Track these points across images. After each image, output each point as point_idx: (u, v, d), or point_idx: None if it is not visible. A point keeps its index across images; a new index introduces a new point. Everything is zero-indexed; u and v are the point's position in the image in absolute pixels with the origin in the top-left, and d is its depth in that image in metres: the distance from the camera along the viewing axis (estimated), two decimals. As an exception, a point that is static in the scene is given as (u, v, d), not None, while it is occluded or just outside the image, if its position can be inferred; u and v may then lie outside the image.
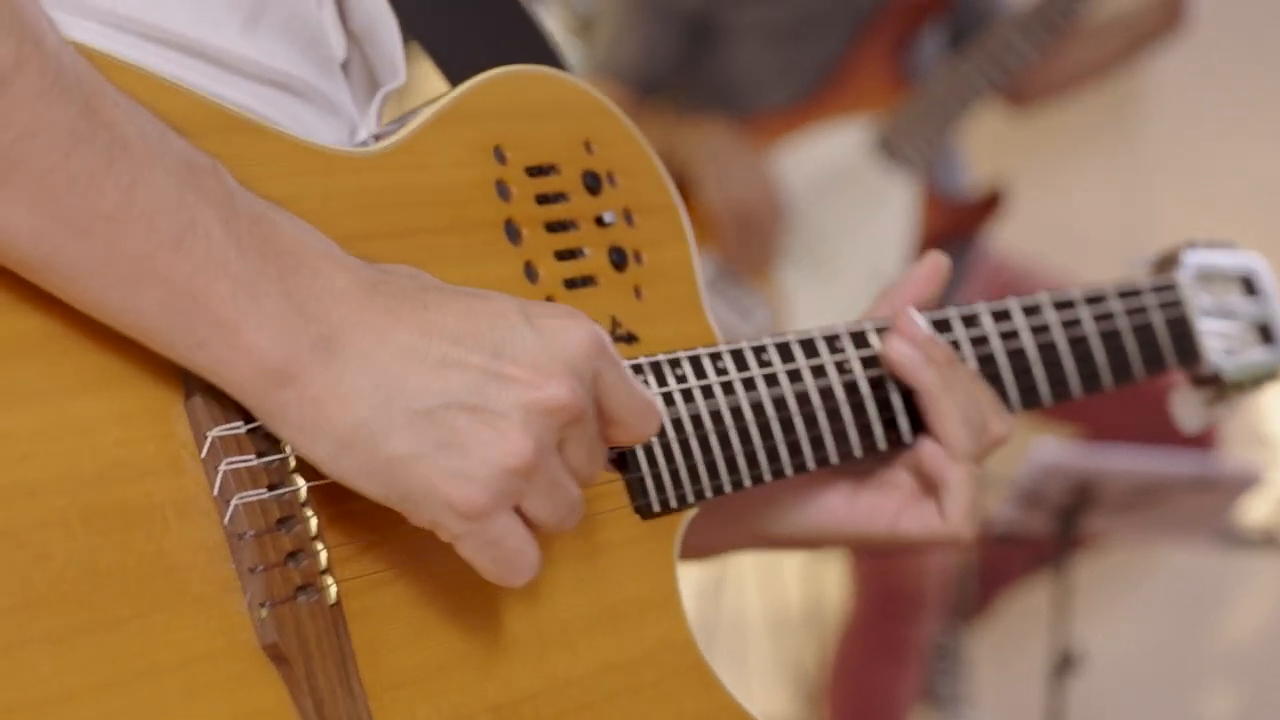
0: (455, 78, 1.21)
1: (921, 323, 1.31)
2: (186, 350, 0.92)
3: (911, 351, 1.29)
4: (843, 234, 3.25)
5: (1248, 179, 3.91)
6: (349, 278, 0.95)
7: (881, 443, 1.30)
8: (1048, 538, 3.03)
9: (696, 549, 1.31)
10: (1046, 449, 2.92)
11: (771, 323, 3.22)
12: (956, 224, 3.31)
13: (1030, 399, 1.38)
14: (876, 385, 1.29)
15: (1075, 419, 3.45)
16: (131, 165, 0.89)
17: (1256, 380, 1.53)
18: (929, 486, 1.32)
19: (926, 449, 1.30)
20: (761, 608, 4.04)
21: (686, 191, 3.27)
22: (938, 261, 1.36)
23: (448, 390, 0.95)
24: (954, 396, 1.29)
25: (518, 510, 0.98)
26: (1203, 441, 3.51)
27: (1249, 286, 1.54)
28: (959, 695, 4.13)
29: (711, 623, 3.74)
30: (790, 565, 3.94)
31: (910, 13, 3.31)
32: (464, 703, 1.04)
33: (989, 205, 3.31)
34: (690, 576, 4.30)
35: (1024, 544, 3.16)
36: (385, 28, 1.17)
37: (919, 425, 1.32)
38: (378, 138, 1.13)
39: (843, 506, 1.36)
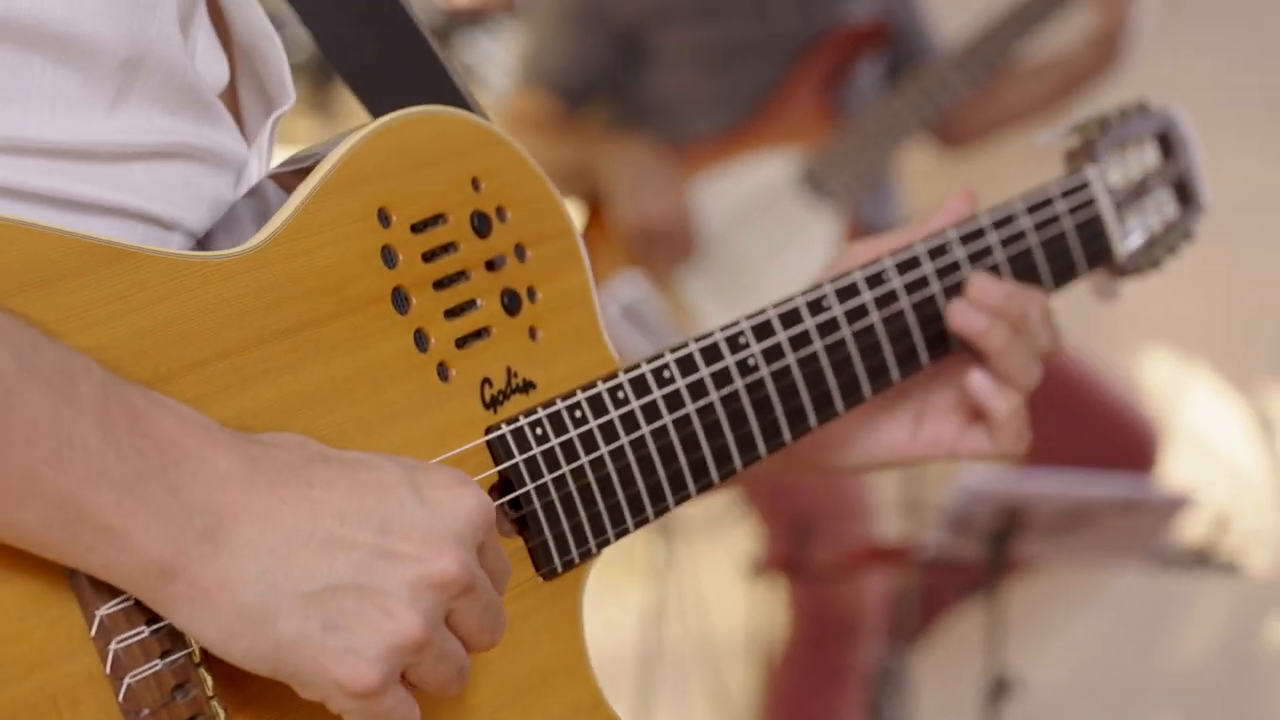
0: (370, 103, 1.22)
1: (993, 288, 1.33)
2: (74, 556, 0.93)
3: (983, 320, 1.33)
4: (763, 266, 3.26)
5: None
6: (230, 459, 0.96)
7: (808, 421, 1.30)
8: (979, 562, 3.05)
9: (745, 478, 1.34)
10: (973, 475, 2.93)
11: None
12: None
13: (937, 348, 1.36)
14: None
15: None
16: (3, 391, 0.89)
17: (1172, 249, 1.49)
18: (977, 412, 1.37)
19: (974, 382, 1.35)
20: (703, 634, 4.05)
21: (603, 207, 3.28)
22: (968, 194, 1.39)
23: (334, 571, 0.96)
24: (1017, 349, 1.33)
25: (403, 677, 0.99)
26: (1142, 463, 3.53)
27: (1165, 144, 1.49)
28: (904, 718, 4.14)
29: (653, 650, 3.74)
30: (733, 592, 3.95)
31: (845, 46, 3.32)
32: None
33: (916, 240, 3.31)
34: (630, 602, 4.26)
35: (957, 569, 3.18)
36: (270, 46, 1.16)
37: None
38: (273, 177, 1.12)
39: (905, 440, 1.41)
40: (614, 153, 3.23)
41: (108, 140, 1.04)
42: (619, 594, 4.06)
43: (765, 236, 3.26)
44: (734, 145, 3.31)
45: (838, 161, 3.25)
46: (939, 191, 3.81)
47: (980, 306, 1.33)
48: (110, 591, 0.95)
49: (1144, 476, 3.43)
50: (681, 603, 3.94)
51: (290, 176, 1.11)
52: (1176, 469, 3.90)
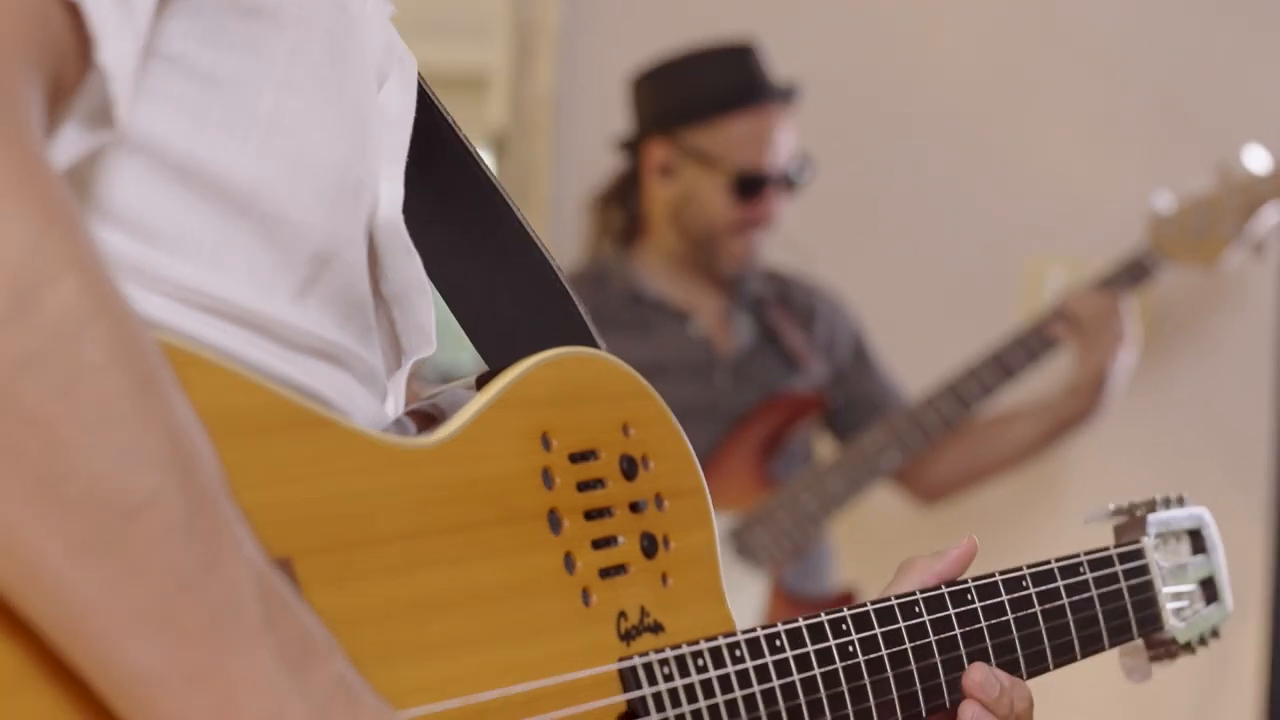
0: (487, 350, 1.28)
1: (989, 681, 1.35)
2: None
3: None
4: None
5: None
6: None
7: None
8: None
9: None
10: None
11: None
12: (807, 626, 3.25)
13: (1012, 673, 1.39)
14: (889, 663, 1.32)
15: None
16: (234, 634, 0.87)
17: (1202, 638, 1.57)
18: None
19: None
20: None
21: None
22: (972, 545, 1.41)
23: None
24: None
25: None
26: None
27: (1196, 541, 1.59)
28: None
29: None
30: None
31: (782, 415, 3.33)
32: None
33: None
34: None
35: None
36: (419, 297, 1.19)
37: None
38: (410, 414, 1.17)
39: None
40: None
41: (293, 325, 1.06)
42: None
43: (691, 594, 3.22)
44: (669, 507, 3.29)
45: (763, 526, 3.24)
46: (867, 564, 3.78)
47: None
48: None
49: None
50: None
51: (419, 417, 1.17)
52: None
